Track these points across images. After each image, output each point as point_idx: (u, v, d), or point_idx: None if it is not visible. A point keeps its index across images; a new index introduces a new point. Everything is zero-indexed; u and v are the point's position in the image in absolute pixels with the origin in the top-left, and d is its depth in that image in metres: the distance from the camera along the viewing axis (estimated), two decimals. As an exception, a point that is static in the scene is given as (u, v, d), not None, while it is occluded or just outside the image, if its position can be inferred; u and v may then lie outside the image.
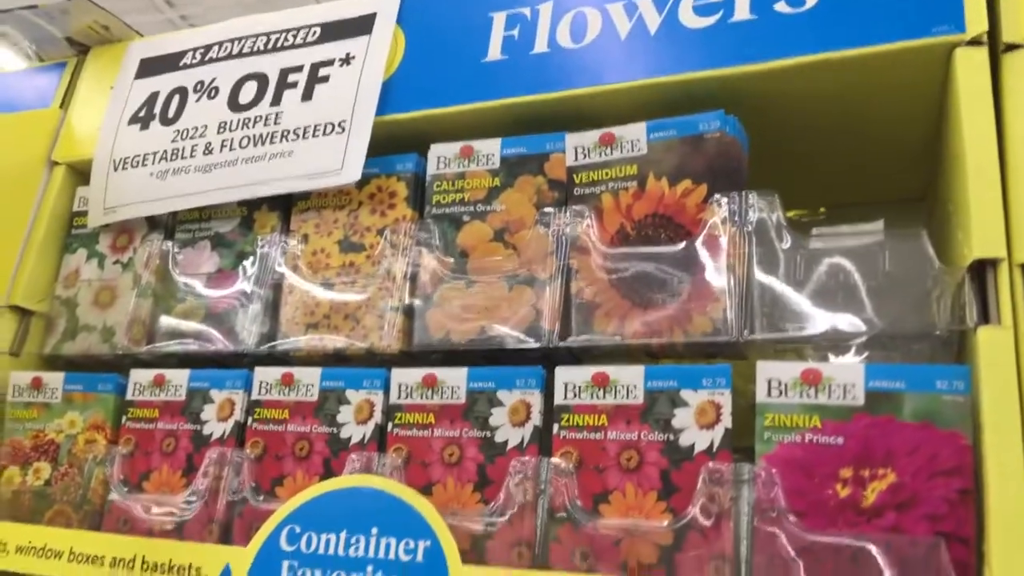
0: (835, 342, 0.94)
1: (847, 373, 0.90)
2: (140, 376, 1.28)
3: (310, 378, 1.17)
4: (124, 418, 1.27)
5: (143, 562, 1.10)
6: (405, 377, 1.12)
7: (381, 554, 1.00)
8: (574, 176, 1.15)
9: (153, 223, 1.41)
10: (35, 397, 1.32)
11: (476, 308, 1.14)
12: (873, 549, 0.83)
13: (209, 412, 1.22)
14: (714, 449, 0.94)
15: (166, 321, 1.32)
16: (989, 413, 0.81)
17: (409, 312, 1.18)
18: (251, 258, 1.30)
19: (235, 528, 1.13)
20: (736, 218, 1.03)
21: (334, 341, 1.20)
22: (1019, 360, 0.82)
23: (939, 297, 0.91)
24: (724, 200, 1.04)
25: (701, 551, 0.90)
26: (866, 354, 0.93)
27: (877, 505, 0.85)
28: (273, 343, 1.24)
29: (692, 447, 0.95)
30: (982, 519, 0.80)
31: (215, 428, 1.21)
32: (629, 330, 1.04)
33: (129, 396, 1.28)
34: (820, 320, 0.95)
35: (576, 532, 0.96)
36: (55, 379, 1.31)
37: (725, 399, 0.95)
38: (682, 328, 1.01)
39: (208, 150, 1.35)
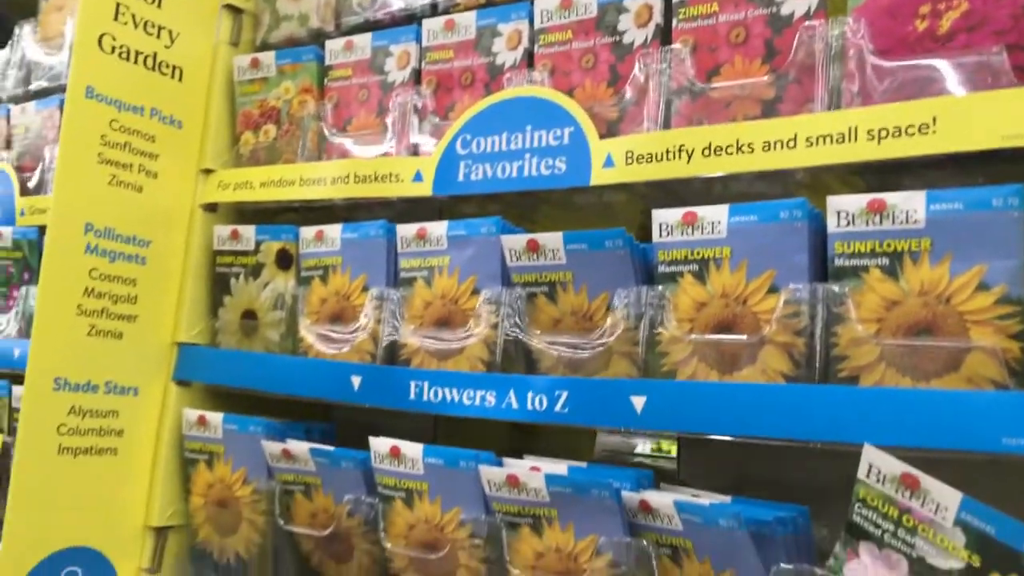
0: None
1: (931, -79, 1.00)
2: (334, 44, 1.55)
3: (468, 20, 1.39)
4: (326, 80, 1.56)
5: (355, 176, 1.41)
6: (546, 3, 1.31)
7: (535, 144, 1.25)
8: None
9: (326, -81, 1.63)
10: (255, 75, 1.63)
11: (604, -61, 1.29)
12: (945, 66, 0.97)
13: (391, 64, 1.48)
14: (811, 12, 1.08)
15: (347, 2, 1.57)
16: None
17: (546, -47, 1.35)
18: (409, -67, 1.50)
19: (420, 147, 1.40)
20: None
21: (485, -11, 1.40)
22: None
23: None
24: None
25: (798, 97, 1.07)
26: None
27: (951, 31, 0.98)
28: (436, 1, 1.46)
29: (792, 15, 1.10)
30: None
31: (397, 76, 1.47)
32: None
33: (327, 62, 1.55)
34: None
35: (693, 102, 1.15)
36: (268, 56, 1.61)
37: (821, -34, 1.08)
38: (786, -82, 1.13)
39: None
